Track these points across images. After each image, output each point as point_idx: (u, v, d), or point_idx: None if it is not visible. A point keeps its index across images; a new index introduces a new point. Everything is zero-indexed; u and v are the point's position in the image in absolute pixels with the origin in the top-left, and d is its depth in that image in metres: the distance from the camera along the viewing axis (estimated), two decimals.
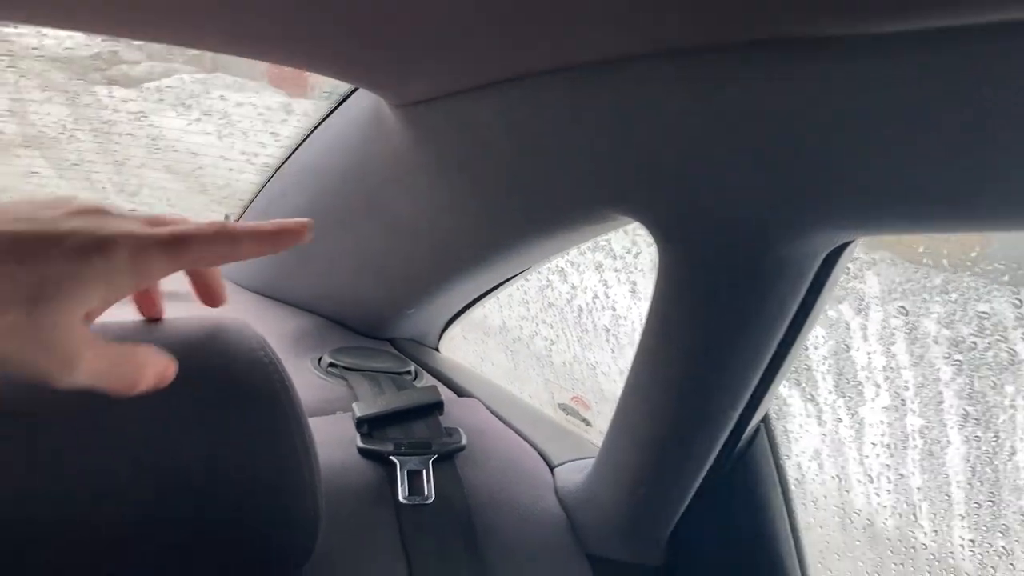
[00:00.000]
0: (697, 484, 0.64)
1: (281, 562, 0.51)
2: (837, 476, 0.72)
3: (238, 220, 0.89)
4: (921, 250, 0.57)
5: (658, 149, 0.49)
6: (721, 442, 0.61)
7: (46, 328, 0.30)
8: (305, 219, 0.40)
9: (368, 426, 0.68)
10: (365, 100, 0.73)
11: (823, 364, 0.67)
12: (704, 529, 0.68)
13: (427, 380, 0.87)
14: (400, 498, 0.63)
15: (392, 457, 0.66)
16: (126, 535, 0.42)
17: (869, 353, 0.64)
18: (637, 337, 0.61)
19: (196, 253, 0.36)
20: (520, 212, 0.69)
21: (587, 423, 0.91)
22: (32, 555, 0.40)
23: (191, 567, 0.46)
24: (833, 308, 0.65)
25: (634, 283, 0.79)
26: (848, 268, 0.60)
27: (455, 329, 0.98)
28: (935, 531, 0.66)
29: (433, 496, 0.64)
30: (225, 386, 0.45)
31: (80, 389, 0.34)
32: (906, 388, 0.63)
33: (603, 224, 0.65)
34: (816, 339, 0.68)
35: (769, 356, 0.55)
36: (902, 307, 0.59)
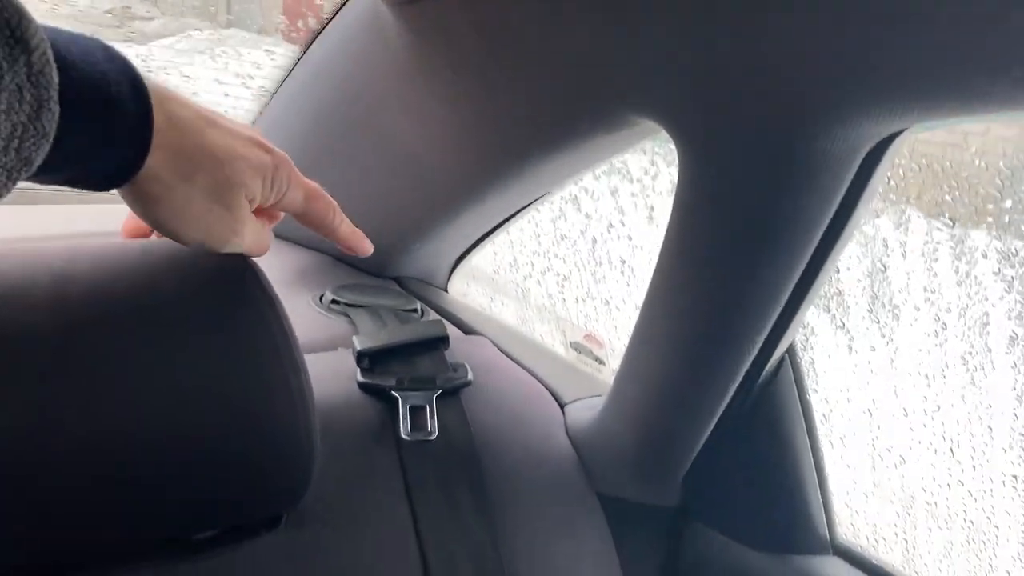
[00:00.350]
0: (715, 420, 0.61)
1: (275, 500, 0.49)
2: (868, 411, 0.68)
3: None
4: (973, 150, 0.51)
5: (675, 33, 0.44)
6: (742, 375, 0.57)
7: (237, 214, 0.43)
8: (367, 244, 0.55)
9: (369, 360, 0.65)
10: (362, 2, 0.69)
11: (856, 287, 0.63)
12: (722, 468, 0.65)
13: (434, 318, 0.82)
14: (402, 434, 0.60)
15: (394, 392, 0.62)
16: (112, 473, 0.41)
17: (908, 272, 0.59)
18: (654, 267, 0.56)
19: (317, 206, 0.49)
20: (531, 124, 0.64)
21: (600, 362, 0.88)
22: (19, 492, 0.39)
23: (180, 505, 0.44)
24: (869, 223, 0.60)
25: (651, 208, 0.75)
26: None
27: (465, 268, 0.94)
28: (974, 467, 0.62)
29: (436, 432, 0.61)
30: (214, 315, 0.43)
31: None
32: (948, 310, 0.58)
33: (621, 133, 0.60)
34: (849, 259, 0.63)
35: (799, 273, 0.50)
36: (948, 219, 0.54)
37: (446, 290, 0.96)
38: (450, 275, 0.95)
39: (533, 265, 0.96)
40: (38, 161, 0.32)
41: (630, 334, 0.61)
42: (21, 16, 0.29)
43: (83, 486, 0.40)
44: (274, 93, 0.81)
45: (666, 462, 0.65)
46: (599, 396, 0.72)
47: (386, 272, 0.91)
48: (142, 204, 0.40)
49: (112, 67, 0.35)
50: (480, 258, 0.95)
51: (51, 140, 0.32)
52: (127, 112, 0.35)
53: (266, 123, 0.85)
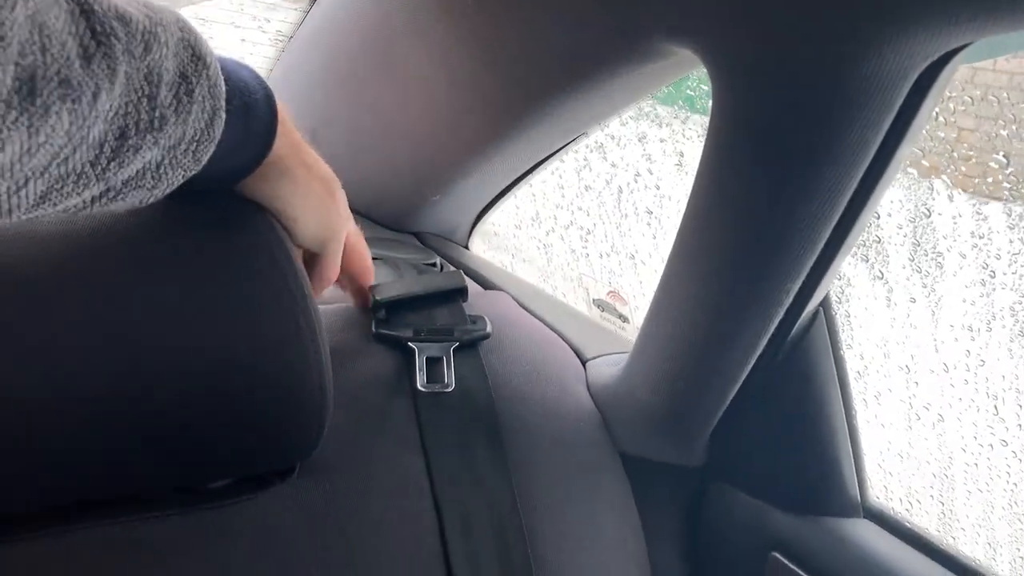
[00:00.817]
0: (744, 377, 0.58)
1: (288, 450, 0.48)
2: (905, 366, 0.65)
3: None
4: None
5: None
6: (773, 329, 0.54)
7: (343, 211, 0.50)
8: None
9: (386, 311, 0.63)
10: None
11: (898, 233, 0.59)
12: (750, 427, 0.62)
13: (452, 271, 0.81)
14: (418, 385, 0.59)
15: (410, 343, 0.61)
16: (123, 420, 0.40)
17: (955, 216, 0.55)
18: (682, 214, 0.54)
19: (359, 253, 0.57)
20: (559, 59, 0.61)
21: (624, 319, 0.85)
22: (30, 435, 0.39)
23: (192, 454, 0.44)
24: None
25: (681, 154, 0.71)
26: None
27: (486, 224, 0.92)
28: (1019, 425, 0.59)
29: (454, 384, 0.59)
30: (226, 261, 0.42)
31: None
32: (998, 256, 0.54)
33: (654, 65, 0.56)
34: (891, 203, 0.60)
35: (838, 215, 0.47)
36: (1003, 156, 0.50)
37: (467, 247, 0.94)
38: (471, 231, 0.93)
39: (556, 219, 0.93)
40: (204, 162, 0.36)
41: (656, 287, 0.59)
42: (196, 36, 0.34)
43: (95, 433, 0.40)
44: (291, 37, 0.79)
45: (691, 420, 0.63)
46: (622, 353, 0.70)
47: (406, 227, 0.89)
48: (271, 183, 0.44)
49: (247, 74, 0.40)
50: (501, 214, 0.92)
51: (216, 143, 0.36)
52: (261, 117, 0.40)
53: (284, 69, 0.83)
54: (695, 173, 0.51)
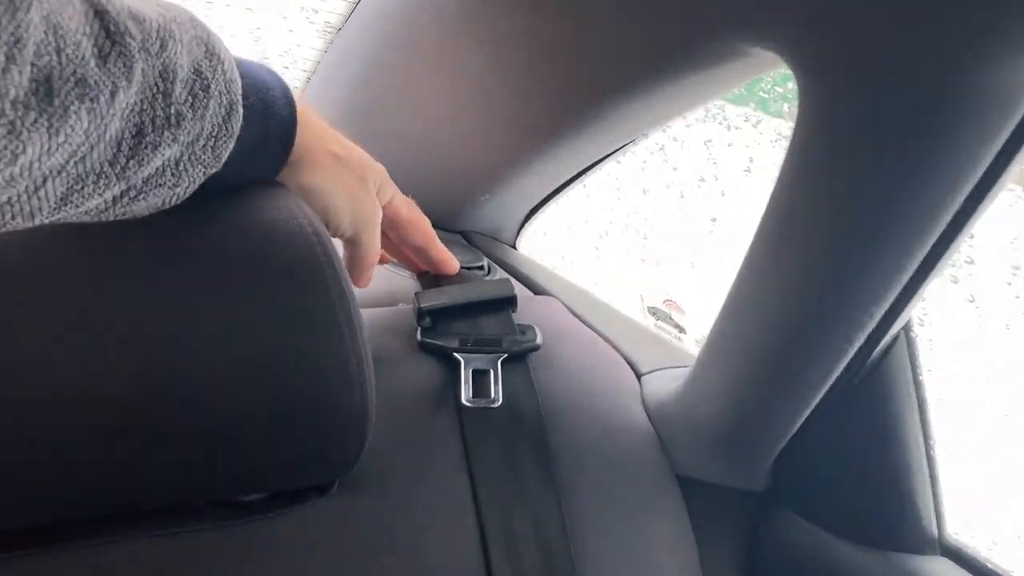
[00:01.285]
0: (817, 401, 0.54)
1: (328, 465, 0.46)
2: (991, 395, 0.60)
3: (303, 90, 0.82)
4: None
5: None
6: (853, 351, 0.50)
7: (374, 200, 0.50)
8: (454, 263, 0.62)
9: (431, 319, 0.60)
10: None
11: (996, 254, 0.54)
12: (819, 451, 0.58)
13: (501, 276, 0.79)
14: (463, 399, 0.56)
15: (456, 354, 0.58)
16: (158, 432, 0.39)
17: None
18: (748, 226, 0.50)
19: (420, 216, 0.58)
20: (622, 57, 0.57)
21: (681, 330, 0.81)
22: (67, 446, 0.38)
23: (228, 466, 0.42)
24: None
25: (751, 159, 0.67)
26: None
27: (536, 223, 0.89)
28: None
29: (501, 399, 0.57)
30: (265, 265, 0.40)
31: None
32: None
33: (729, 66, 0.52)
34: (988, 223, 0.55)
35: (936, 236, 0.43)
36: None
37: (515, 246, 0.91)
38: (520, 231, 0.90)
39: (610, 222, 0.90)
40: (224, 159, 0.36)
41: (723, 299, 0.55)
42: (209, 32, 0.34)
43: (122, 442, 0.38)
44: (339, 29, 0.77)
45: (757, 443, 0.59)
46: (681, 367, 0.66)
47: (453, 226, 0.87)
48: (297, 176, 0.44)
49: (263, 71, 0.40)
50: (551, 214, 0.89)
51: (235, 139, 0.36)
52: (280, 112, 0.40)
53: (331, 61, 0.80)
54: (776, 180, 0.47)
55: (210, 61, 0.34)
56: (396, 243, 0.59)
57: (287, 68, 0.81)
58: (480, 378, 0.58)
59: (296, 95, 0.42)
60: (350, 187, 0.48)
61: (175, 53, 0.31)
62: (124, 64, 0.29)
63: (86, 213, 0.32)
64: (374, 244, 0.51)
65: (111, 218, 0.34)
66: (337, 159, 0.47)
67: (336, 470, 0.48)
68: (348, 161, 0.48)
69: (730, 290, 0.55)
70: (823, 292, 0.48)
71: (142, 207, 0.35)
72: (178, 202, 0.37)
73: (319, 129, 0.46)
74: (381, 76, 0.75)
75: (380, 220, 0.51)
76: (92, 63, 0.27)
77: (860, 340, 0.50)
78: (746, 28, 0.46)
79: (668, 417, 0.63)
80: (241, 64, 0.38)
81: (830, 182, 0.44)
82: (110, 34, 0.28)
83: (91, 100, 0.27)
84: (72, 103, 0.27)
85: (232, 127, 0.36)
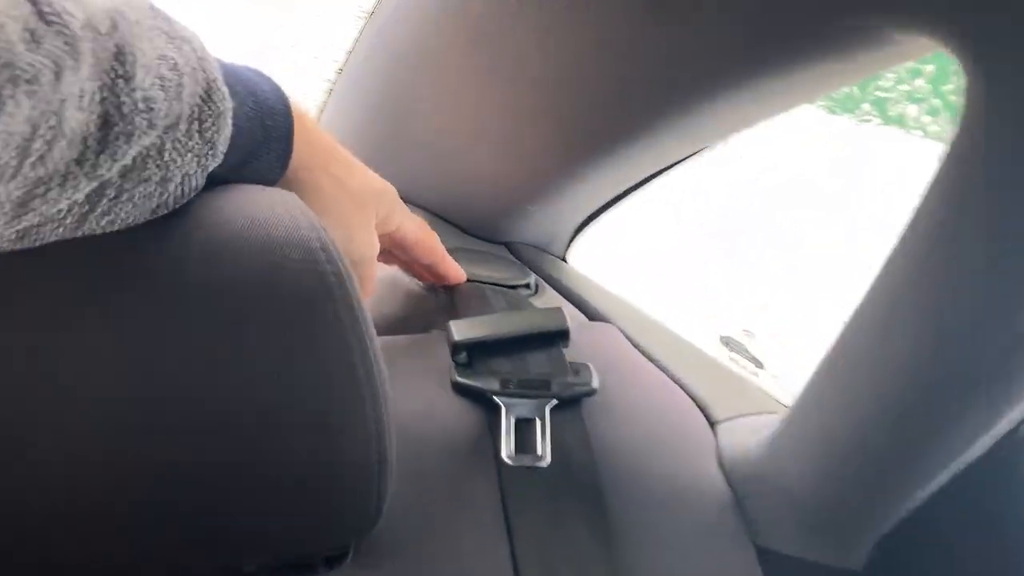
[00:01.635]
0: (956, 471, 0.45)
1: (341, 530, 0.41)
2: None
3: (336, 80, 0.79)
4: None
5: None
6: (1010, 411, 0.41)
7: (373, 228, 0.49)
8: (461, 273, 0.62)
9: (468, 354, 0.54)
10: None
11: None
12: (936, 529, 0.49)
13: (550, 296, 0.72)
14: (504, 456, 0.49)
15: (496, 398, 0.52)
16: (153, 496, 0.35)
17: None
18: (855, 247, 0.41)
19: (429, 235, 0.57)
20: (715, 45, 0.49)
21: (758, 364, 0.72)
22: (57, 511, 0.35)
23: (228, 533, 0.38)
24: None
25: (861, 175, 0.57)
26: None
27: (589, 236, 0.81)
28: None
29: (549, 458, 0.50)
30: (253, 279, 0.35)
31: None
32: None
33: (868, 55, 0.44)
34: None
35: None
36: None
37: (564, 259, 0.83)
38: (571, 243, 0.82)
39: (677, 236, 0.80)
40: (220, 147, 0.35)
41: (834, 335, 0.47)
42: (170, 19, 0.34)
43: (106, 504, 0.35)
44: (372, 13, 0.70)
45: (860, 516, 0.50)
46: (764, 414, 0.58)
47: (496, 236, 0.80)
48: (292, 191, 0.42)
49: (251, 73, 0.40)
50: (607, 226, 0.81)
51: (228, 123, 0.35)
52: (277, 113, 0.40)
53: (364, 49, 0.74)
54: (924, 194, 0.40)
55: (176, 42, 0.33)
56: (404, 261, 0.59)
57: (316, 58, 0.73)
58: (524, 428, 0.51)
59: (297, 104, 0.42)
60: (346, 217, 0.46)
61: (130, 35, 0.30)
62: (65, 43, 0.28)
63: (60, 226, 0.31)
64: (368, 282, 0.50)
65: (97, 229, 0.32)
66: (336, 183, 0.45)
67: (349, 536, 0.43)
68: (348, 186, 0.46)
69: (843, 329, 0.47)
70: (983, 333, 0.39)
71: (129, 210, 0.33)
72: (176, 204, 0.35)
73: (321, 146, 0.45)
74: (418, 69, 0.69)
75: (376, 253, 0.50)
76: (21, 47, 0.26)
77: (1018, 399, 0.41)
78: (897, 7, 0.37)
79: (749, 476, 0.55)
80: (229, 67, 0.38)
81: (1005, 196, 0.36)
82: (43, 15, 0.27)
83: (27, 83, 0.26)
84: (4, 86, 0.26)
85: (217, 106, 0.34)
